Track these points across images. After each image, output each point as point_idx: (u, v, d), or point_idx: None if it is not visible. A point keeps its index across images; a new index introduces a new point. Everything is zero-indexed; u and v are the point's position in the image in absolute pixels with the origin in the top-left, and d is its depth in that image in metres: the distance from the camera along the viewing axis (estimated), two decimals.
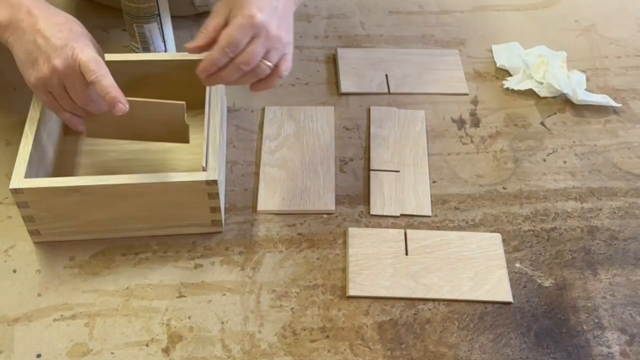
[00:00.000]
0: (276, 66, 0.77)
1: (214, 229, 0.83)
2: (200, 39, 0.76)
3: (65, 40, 0.74)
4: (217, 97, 0.85)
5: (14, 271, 0.79)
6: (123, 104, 0.73)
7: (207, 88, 0.86)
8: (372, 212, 0.87)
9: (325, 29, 1.12)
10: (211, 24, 0.76)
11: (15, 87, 0.99)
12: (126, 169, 0.88)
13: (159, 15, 0.94)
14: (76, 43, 0.74)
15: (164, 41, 0.98)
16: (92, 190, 0.76)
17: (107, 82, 0.73)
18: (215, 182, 0.77)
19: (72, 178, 0.78)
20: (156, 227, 0.82)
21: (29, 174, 0.77)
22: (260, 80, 0.78)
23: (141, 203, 0.78)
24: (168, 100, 0.80)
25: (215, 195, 0.79)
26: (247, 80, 0.77)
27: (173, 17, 0.99)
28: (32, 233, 0.81)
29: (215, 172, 0.77)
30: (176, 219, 0.81)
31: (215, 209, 0.81)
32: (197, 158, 0.86)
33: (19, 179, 0.75)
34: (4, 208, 0.85)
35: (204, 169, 0.78)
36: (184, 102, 0.80)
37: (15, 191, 0.75)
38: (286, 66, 0.78)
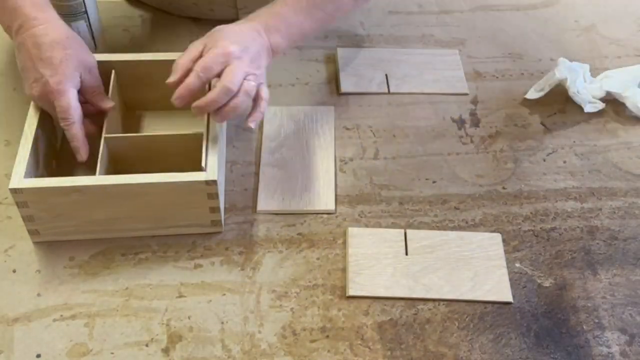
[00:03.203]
0: (258, 92, 0.80)
1: (213, 229, 0.83)
2: (177, 72, 0.79)
3: (52, 72, 0.78)
4: None
5: (14, 271, 0.79)
6: (81, 155, 0.81)
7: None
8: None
9: (325, 28, 1.12)
10: (186, 56, 0.80)
11: (15, 87, 0.99)
12: None
13: (86, 13, 0.94)
14: (59, 83, 0.78)
15: (93, 39, 0.98)
16: (92, 190, 0.76)
17: (73, 131, 0.80)
18: (214, 182, 0.77)
19: (71, 178, 0.78)
20: (156, 227, 0.82)
21: (28, 174, 0.77)
22: (252, 110, 0.81)
23: (141, 203, 0.78)
24: (184, 132, 0.84)
25: (215, 196, 0.79)
26: (241, 104, 0.79)
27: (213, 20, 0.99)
28: (31, 233, 0.81)
29: (215, 172, 0.77)
30: (176, 219, 0.81)
31: (215, 209, 0.81)
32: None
33: (18, 179, 0.75)
34: (3, 208, 0.85)
35: (204, 169, 0.78)
36: (202, 132, 0.81)
37: (15, 191, 0.75)
38: (266, 92, 0.82)
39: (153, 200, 0.78)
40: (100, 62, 0.87)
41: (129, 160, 0.84)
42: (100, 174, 0.79)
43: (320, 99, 1.01)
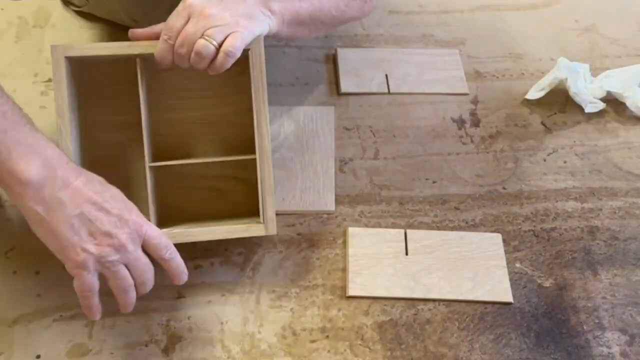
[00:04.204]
0: (221, 44, 0.73)
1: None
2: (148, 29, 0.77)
3: (124, 213, 0.66)
4: (265, 138, 0.80)
5: (14, 272, 0.79)
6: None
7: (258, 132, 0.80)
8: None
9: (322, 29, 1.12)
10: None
11: (15, 89, 0.99)
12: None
13: None
14: (137, 217, 0.67)
15: None
16: None
17: (179, 259, 0.71)
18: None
19: None
20: None
21: None
22: (211, 61, 0.73)
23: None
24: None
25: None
26: (198, 63, 0.73)
27: None
28: None
29: (275, 227, 0.78)
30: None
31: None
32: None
33: None
34: (3, 210, 0.85)
35: (261, 221, 0.78)
36: (254, 157, 0.78)
37: None
38: (231, 43, 0.72)
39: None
40: (122, 56, 0.79)
41: (175, 184, 0.83)
42: (153, 217, 0.78)
43: (320, 99, 1.01)
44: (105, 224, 0.64)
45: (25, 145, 0.62)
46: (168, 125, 0.84)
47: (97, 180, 0.67)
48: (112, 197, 0.67)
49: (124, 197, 0.68)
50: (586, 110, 1.00)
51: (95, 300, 0.67)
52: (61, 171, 0.64)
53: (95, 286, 0.66)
